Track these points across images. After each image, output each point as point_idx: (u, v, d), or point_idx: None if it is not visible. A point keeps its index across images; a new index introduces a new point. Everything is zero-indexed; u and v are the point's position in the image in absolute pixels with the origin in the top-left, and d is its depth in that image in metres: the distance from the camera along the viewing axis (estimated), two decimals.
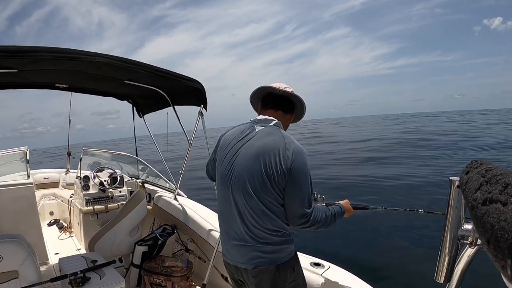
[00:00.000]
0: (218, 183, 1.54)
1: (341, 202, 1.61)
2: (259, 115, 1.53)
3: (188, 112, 2.96)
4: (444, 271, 0.58)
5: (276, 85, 1.50)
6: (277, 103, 1.52)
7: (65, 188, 4.72)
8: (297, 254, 1.51)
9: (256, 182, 1.35)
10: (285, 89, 1.49)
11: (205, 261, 2.65)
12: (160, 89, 2.86)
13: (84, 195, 3.50)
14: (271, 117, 1.48)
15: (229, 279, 1.66)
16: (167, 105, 3.08)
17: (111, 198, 3.65)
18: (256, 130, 1.45)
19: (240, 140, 1.45)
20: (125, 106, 3.60)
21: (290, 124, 1.61)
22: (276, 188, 1.35)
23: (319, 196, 1.62)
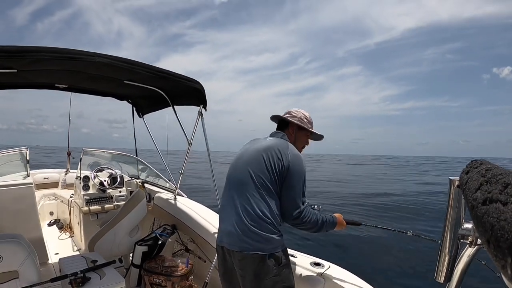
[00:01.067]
0: (226, 178, 1.73)
1: (334, 214, 1.74)
2: None
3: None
4: (444, 271, 0.58)
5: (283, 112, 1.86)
6: (279, 124, 1.86)
7: (65, 188, 4.72)
8: (287, 252, 1.59)
9: (259, 171, 1.56)
10: (285, 115, 1.83)
11: (205, 261, 2.65)
12: (159, 89, 2.86)
13: (84, 195, 3.50)
14: (280, 131, 1.81)
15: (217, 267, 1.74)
16: (166, 105, 3.07)
17: (111, 198, 3.64)
18: (267, 139, 1.75)
19: (252, 144, 1.75)
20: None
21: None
22: (275, 178, 1.54)
23: (316, 205, 1.75)
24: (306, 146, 1.86)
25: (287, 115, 1.84)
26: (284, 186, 1.55)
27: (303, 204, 1.57)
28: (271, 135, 1.80)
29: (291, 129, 1.81)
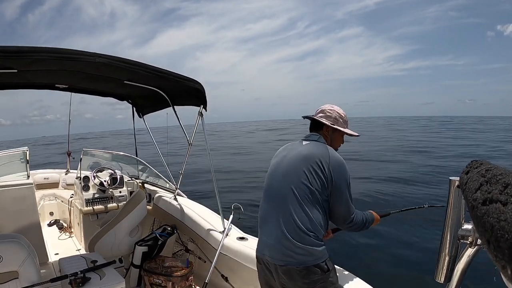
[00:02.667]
0: (265, 184, 1.70)
1: (369, 211, 1.78)
2: None
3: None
4: (444, 271, 0.58)
5: (317, 110, 1.78)
6: (312, 125, 1.78)
7: (65, 189, 4.72)
8: (330, 261, 1.56)
9: (301, 184, 1.52)
10: (316, 115, 1.75)
11: (205, 261, 2.65)
12: (159, 89, 2.86)
13: (84, 195, 3.50)
14: (314, 133, 1.73)
15: (259, 275, 1.73)
16: (167, 105, 3.07)
17: (111, 199, 3.65)
18: (304, 143, 1.68)
19: (289, 150, 1.69)
20: None
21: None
22: (318, 190, 1.51)
23: None
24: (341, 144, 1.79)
25: (320, 114, 1.74)
26: (332, 196, 1.55)
27: (353, 209, 1.61)
28: (306, 138, 1.72)
29: (326, 130, 1.72)
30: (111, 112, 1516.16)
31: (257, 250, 1.68)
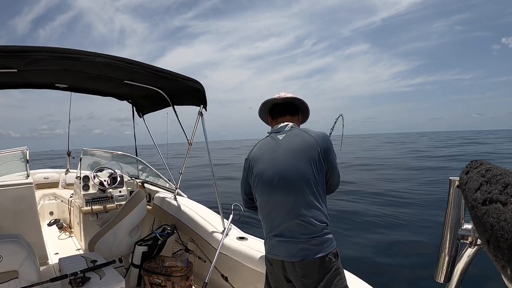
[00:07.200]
0: (262, 189, 1.63)
1: None
2: (272, 127, 1.74)
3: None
4: (444, 271, 0.58)
5: (276, 95, 1.72)
6: (282, 110, 1.73)
7: (65, 188, 4.72)
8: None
9: (307, 178, 1.52)
10: (285, 96, 1.71)
11: (205, 261, 2.65)
12: (160, 89, 2.86)
13: (84, 195, 3.50)
14: (284, 123, 1.68)
15: (269, 277, 1.70)
16: (167, 105, 3.07)
17: (111, 198, 3.65)
18: (280, 138, 1.63)
19: (273, 150, 1.62)
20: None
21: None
22: (322, 176, 1.55)
23: None
24: None
25: (292, 98, 1.74)
26: (329, 172, 1.60)
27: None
28: (280, 131, 1.65)
29: (300, 115, 1.77)
30: (120, 128, 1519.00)
31: (269, 252, 1.64)
